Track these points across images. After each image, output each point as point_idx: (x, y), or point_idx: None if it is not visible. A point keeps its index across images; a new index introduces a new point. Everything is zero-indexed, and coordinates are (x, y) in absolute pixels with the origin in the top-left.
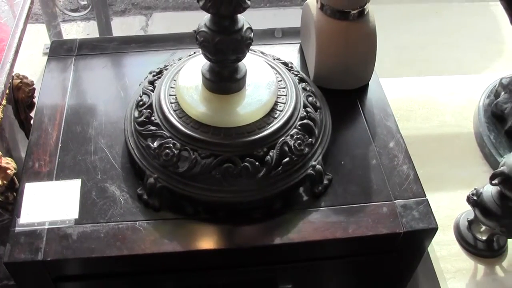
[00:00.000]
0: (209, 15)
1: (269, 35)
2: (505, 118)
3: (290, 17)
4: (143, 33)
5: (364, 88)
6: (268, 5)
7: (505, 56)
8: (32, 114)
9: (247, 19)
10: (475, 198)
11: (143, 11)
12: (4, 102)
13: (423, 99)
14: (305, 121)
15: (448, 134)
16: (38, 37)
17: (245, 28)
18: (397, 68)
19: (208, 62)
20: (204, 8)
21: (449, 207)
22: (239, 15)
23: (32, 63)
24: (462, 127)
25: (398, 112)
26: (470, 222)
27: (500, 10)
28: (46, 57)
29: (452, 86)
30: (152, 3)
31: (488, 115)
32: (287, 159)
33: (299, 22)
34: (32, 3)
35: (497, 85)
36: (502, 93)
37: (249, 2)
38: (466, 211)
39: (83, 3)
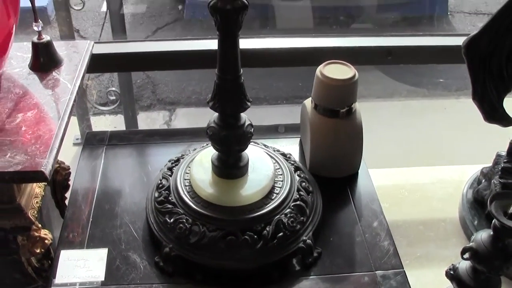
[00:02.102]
0: (217, 113)
1: (273, 130)
2: (485, 203)
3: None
4: (166, 127)
5: (353, 176)
6: (284, 102)
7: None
8: (67, 195)
9: (258, 116)
10: (452, 272)
11: (167, 106)
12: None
13: (413, 187)
14: (297, 202)
15: (435, 218)
16: (70, 128)
17: (246, 124)
18: (402, 157)
19: (217, 152)
20: (213, 108)
21: (433, 282)
22: (241, 114)
23: (64, 151)
24: (447, 212)
25: (389, 198)
26: None
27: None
28: (76, 147)
29: (441, 175)
30: (175, 99)
31: (471, 201)
32: (281, 233)
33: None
34: (75, 100)
35: (479, 174)
36: (483, 181)
37: (249, 104)
38: (447, 286)
39: (112, 98)
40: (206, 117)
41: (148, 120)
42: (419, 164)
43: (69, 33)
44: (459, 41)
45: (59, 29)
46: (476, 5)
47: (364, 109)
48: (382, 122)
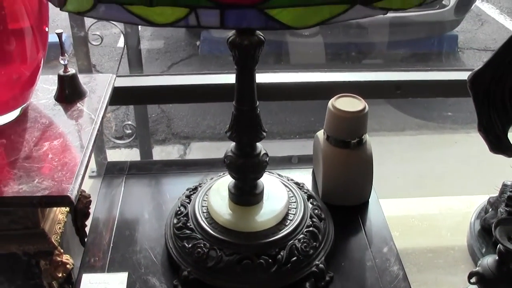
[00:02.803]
0: (234, 143)
1: (287, 161)
2: (492, 231)
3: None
4: None
5: (364, 204)
6: (297, 136)
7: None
8: (87, 222)
9: (271, 150)
10: None
11: (181, 140)
12: (68, 209)
13: (422, 216)
14: (310, 228)
15: (443, 246)
16: None
17: (262, 153)
18: (412, 188)
19: (233, 180)
20: (231, 137)
21: None
22: (257, 143)
23: None
24: (456, 240)
25: (399, 227)
26: None
27: None
28: (91, 180)
29: (449, 205)
30: (190, 133)
31: (479, 230)
32: (295, 258)
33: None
34: (98, 130)
35: (486, 203)
36: (490, 210)
37: (264, 134)
38: None
39: (128, 131)
40: (220, 151)
41: (163, 154)
42: (429, 195)
43: (87, 67)
44: (464, 75)
45: (77, 63)
46: (485, 42)
47: (376, 142)
48: (393, 155)
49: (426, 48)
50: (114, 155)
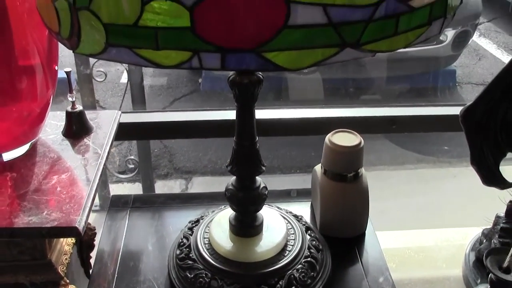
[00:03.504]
0: (234, 177)
1: (286, 194)
2: None
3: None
4: None
5: (361, 236)
6: (298, 171)
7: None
8: (91, 254)
9: (271, 184)
10: None
11: (183, 175)
12: (74, 241)
13: (418, 248)
14: (308, 259)
15: (439, 277)
16: None
17: (261, 186)
18: (409, 221)
19: (234, 212)
20: (231, 171)
21: None
22: (257, 177)
23: None
24: (452, 271)
25: (396, 258)
26: None
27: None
28: (94, 214)
29: (444, 237)
30: (192, 168)
31: (473, 260)
32: (293, 287)
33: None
34: (105, 165)
35: (480, 235)
36: (484, 241)
37: (264, 168)
38: None
39: (130, 166)
40: (222, 185)
41: (165, 188)
42: (427, 227)
43: (91, 103)
44: (457, 110)
45: (82, 99)
46: (483, 76)
47: (375, 176)
48: (392, 188)
49: (425, 83)
50: (117, 189)
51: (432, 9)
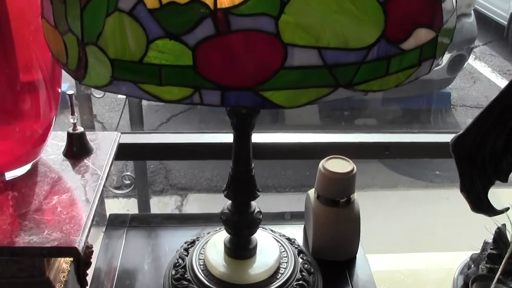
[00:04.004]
0: (230, 201)
1: (280, 217)
2: None
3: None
4: (178, 211)
5: (352, 260)
6: (292, 190)
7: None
8: (88, 271)
9: (266, 203)
10: None
11: (179, 191)
12: (72, 259)
13: (408, 271)
14: (300, 282)
15: None
16: None
17: (256, 211)
18: (400, 244)
19: (229, 235)
20: (227, 196)
21: None
22: (252, 202)
23: None
24: None
25: (386, 281)
26: None
27: (504, 195)
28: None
29: (434, 261)
30: (187, 185)
31: (461, 285)
32: None
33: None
34: (104, 186)
35: (469, 260)
36: (472, 266)
37: (259, 194)
38: None
39: (126, 182)
40: (216, 202)
41: (160, 204)
42: (418, 250)
43: (89, 120)
44: (448, 137)
45: (80, 117)
46: (477, 99)
47: (367, 197)
48: (385, 210)
49: (420, 105)
50: (112, 204)
51: (422, 50)
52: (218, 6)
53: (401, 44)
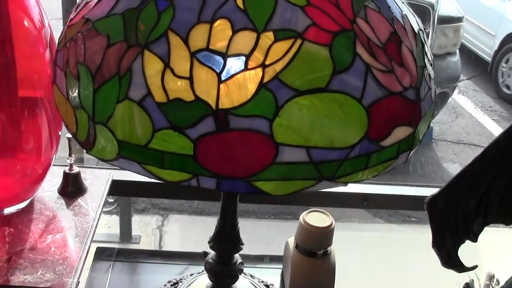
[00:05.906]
0: (214, 252)
1: (260, 259)
2: None
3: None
4: (158, 231)
5: None
6: (272, 217)
7: None
8: None
9: (246, 229)
10: None
11: (160, 211)
12: None
13: None
14: None
15: None
16: None
17: (238, 262)
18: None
19: (211, 282)
20: (212, 248)
21: None
22: (235, 254)
23: None
24: None
25: None
26: None
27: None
28: None
29: None
30: (169, 205)
31: None
32: None
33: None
34: (96, 227)
35: None
36: None
37: (242, 247)
38: None
39: (110, 200)
40: (196, 224)
41: (141, 223)
42: None
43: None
44: (426, 191)
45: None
46: (458, 134)
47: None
48: (358, 251)
49: None
50: None
51: (400, 145)
52: (220, 106)
53: (381, 142)
